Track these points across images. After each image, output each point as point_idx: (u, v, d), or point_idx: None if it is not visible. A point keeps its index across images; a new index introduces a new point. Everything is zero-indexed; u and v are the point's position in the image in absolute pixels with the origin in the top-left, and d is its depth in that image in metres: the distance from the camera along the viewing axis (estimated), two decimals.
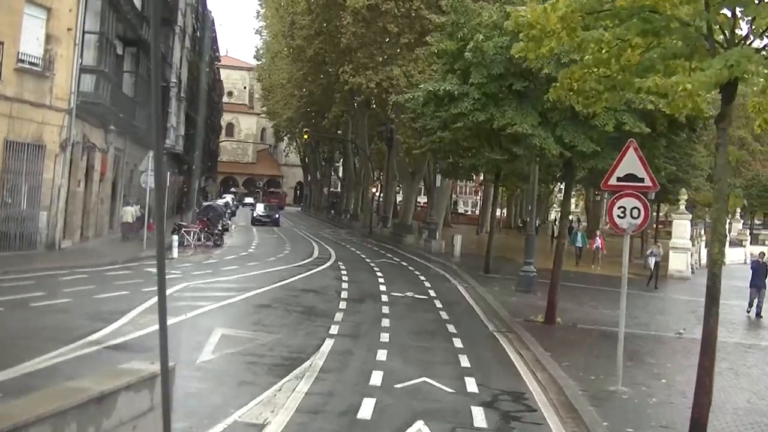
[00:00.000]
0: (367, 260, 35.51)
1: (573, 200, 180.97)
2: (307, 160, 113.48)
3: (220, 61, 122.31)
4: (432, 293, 24.89)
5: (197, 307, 17.93)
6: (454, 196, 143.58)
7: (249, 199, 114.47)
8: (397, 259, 37.37)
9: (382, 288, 25.03)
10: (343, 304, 20.75)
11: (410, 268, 33.50)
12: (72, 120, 29.37)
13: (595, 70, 10.92)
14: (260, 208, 68.46)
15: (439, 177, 42.55)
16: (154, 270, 19.11)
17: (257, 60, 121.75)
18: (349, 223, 72.77)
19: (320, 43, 53.41)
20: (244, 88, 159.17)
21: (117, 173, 40.77)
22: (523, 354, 15.79)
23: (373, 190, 62.45)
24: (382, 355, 14.40)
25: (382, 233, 55.19)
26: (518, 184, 41.87)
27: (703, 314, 10.73)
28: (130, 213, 39.16)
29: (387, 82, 43.05)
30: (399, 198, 70.55)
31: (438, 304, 22.38)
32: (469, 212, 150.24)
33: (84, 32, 29.82)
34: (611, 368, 13.78)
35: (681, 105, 10.86)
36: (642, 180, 12.90)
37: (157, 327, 4.76)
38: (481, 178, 63.41)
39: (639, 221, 12.98)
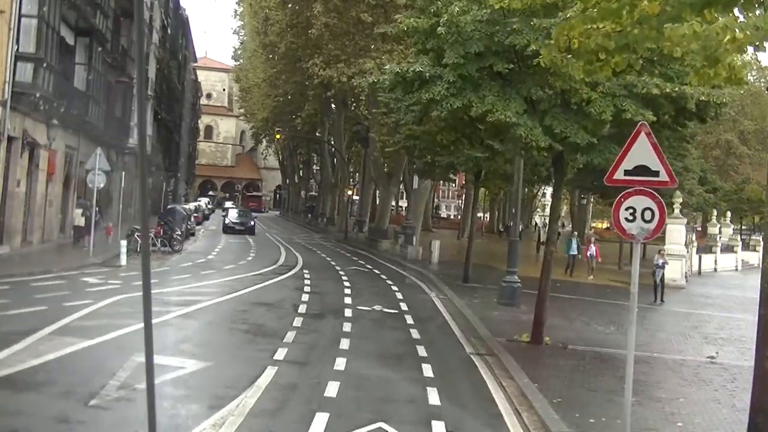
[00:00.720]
0: (337, 268, 32.72)
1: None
2: (285, 163, 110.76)
3: (196, 61, 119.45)
4: (404, 306, 22.13)
5: (123, 327, 15.10)
6: (436, 200, 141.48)
7: (229, 203, 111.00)
8: (370, 266, 34.62)
9: (348, 300, 22.26)
10: (297, 321, 17.96)
11: (383, 276, 30.75)
12: (6, 113, 26.45)
13: (601, 26, 8.22)
14: (233, 214, 58.82)
15: (416, 178, 39.82)
16: (91, 279, 15.78)
17: (235, 60, 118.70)
18: (325, 227, 69.97)
19: (292, 37, 50.57)
20: (223, 90, 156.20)
21: (69, 173, 37.79)
22: (506, 385, 13.04)
23: (349, 192, 59.57)
24: (332, 389, 11.62)
25: (358, 238, 52.44)
26: (501, 185, 39.08)
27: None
28: (80, 216, 36.26)
29: (359, 75, 40.34)
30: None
31: (409, 320, 19.64)
32: (452, 216, 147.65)
33: (20, 15, 26.92)
34: (613, 407, 11.13)
35: (713, 74, 8.22)
36: (656, 173, 10.15)
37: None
38: (463, 180, 60.92)
39: (653, 225, 10.20)
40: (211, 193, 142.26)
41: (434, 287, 27.70)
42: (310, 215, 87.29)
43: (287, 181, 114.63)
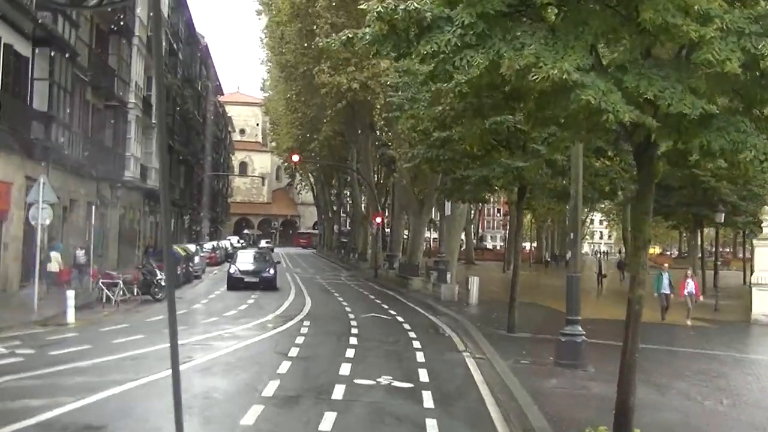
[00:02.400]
0: (350, 316, 26.27)
1: (603, 227, 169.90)
2: (318, 198, 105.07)
3: (222, 93, 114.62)
4: (423, 375, 15.62)
5: None
6: (480, 230, 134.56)
7: (264, 242, 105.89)
8: (393, 312, 28.10)
9: (345, 369, 15.80)
10: (252, 415, 11.55)
11: (405, 326, 24.23)
12: None
13: None
14: (244, 259, 40.43)
15: (448, 204, 33.41)
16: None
17: (263, 92, 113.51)
18: (356, 263, 63.64)
19: (302, 48, 44.55)
20: (257, 124, 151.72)
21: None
22: None
23: (377, 221, 53.02)
24: None
25: (388, 276, 46.02)
26: (550, 204, 31.95)
27: None
28: (56, 260, 30.44)
29: (374, 80, 34.32)
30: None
31: (427, 401, 13.18)
32: (498, 247, 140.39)
33: None
34: None
35: None
36: None
37: None
38: (507, 203, 54.49)
39: None
40: (246, 231, 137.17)
41: (470, 340, 21.12)
42: (342, 251, 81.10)
43: (322, 216, 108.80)
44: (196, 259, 42.76)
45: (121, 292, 26.97)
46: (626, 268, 58.54)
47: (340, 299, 32.47)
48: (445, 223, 34.58)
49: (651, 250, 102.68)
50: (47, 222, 24.17)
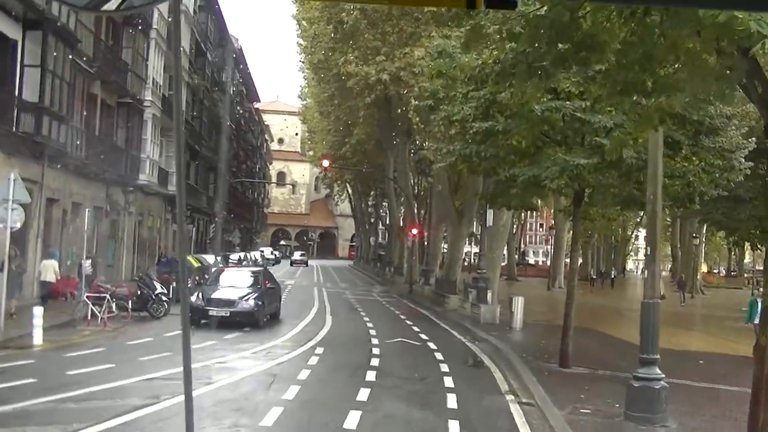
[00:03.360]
0: (374, 341, 22.45)
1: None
2: (355, 209, 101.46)
3: (258, 100, 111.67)
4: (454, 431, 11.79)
5: None
6: (523, 245, 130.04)
7: (298, 253, 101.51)
8: (425, 336, 24.21)
9: (351, 423, 11.98)
10: None
11: (438, 354, 20.34)
12: None
13: None
14: (224, 281, 28.14)
15: (490, 214, 29.51)
16: None
17: (301, 99, 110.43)
18: (391, 277, 59.81)
19: (332, 42, 40.87)
20: (296, 134, 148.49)
21: (27, 215, 28.53)
22: None
23: (413, 232, 49.06)
24: None
25: (423, 292, 42.16)
26: (611, 214, 27.35)
27: None
28: (51, 269, 27.05)
29: (407, 71, 30.61)
30: None
31: None
32: (540, 263, 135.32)
33: None
34: None
35: None
36: None
37: None
38: (551, 214, 50.29)
39: None
40: (282, 242, 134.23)
41: (514, 376, 17.20)
42: (378, 265, 77.34)
43: (359, 228, 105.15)
44: (213, 270, 39.15)
45: (110, 309, 23.32)
46: (687, 287, 54.62)
47: (366, 319, 28.61)
48: (486, 235, 30.66)
49: (700, 268, 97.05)
50: (17, 225, 20.63)
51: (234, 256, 57.22)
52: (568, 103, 15.81)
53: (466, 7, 1.64)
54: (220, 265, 43.15)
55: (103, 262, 37.00)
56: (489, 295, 29.08)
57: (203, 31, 59.16)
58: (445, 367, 18.09)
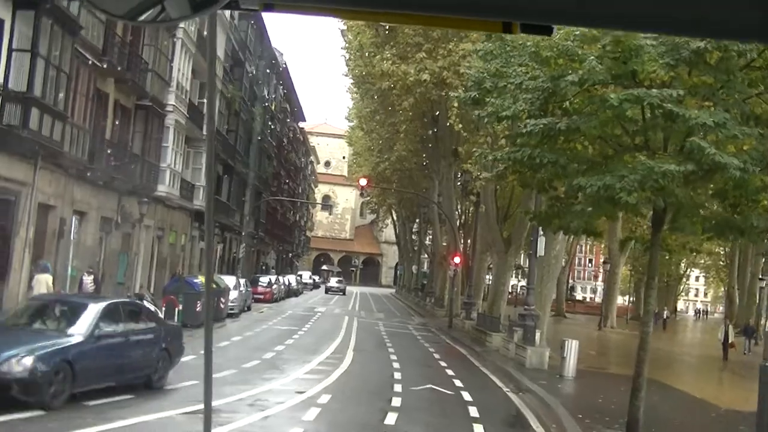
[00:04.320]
0: (397, 388, 18.44)
1: (699, 283, 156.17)
2: (399, 236, 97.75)
3: (304, 120, 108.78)
4: None
5: None
6: (570, 280, 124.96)
7: (334, 281, 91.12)
8: (460, 383, 20.13)
9: None
10: None
11: (472, 410, 16.27)
12: None
13: None
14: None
15: (541, 241, 25.43)
16: None
17: (348, 121, 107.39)
18: (432, 309, 55.76)
19: (373, 47, 37.23)
20: (343, 158, 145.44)
21: (13, 221, 25.19)
22: None
23: (456, 261, 44.96)
24: None
25: (464, 327, 38.10)
26: (694, 243, 22.40)
27: None
28: (45, 284, 23.61)
29: (451, 70, 26.84)
30: None
31: None
32: (588, 299, 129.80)
33: None
34: None
35: None
36: None
37: None
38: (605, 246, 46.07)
39: None
40: (324, 267, 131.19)
41: None
42: (420, 294, 73.33)
43: (403, 255, 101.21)
44: (233, 294, 35.55)
45: None
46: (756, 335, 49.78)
47: (394, 358, 24.55)
48: (536, 266, 26.55)
49: None
50: None
51: (264, 279, 53.66)
52: (654, 91, 11.88)
53: (503, 32, 1.63)
54: (242, 288, 39.65)
55: (112, 278, 33.64)
56: (537, 335, 24.95)
57: (241, 39, 56.04)
58: (479, 430, 14.11)
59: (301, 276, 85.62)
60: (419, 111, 40.29)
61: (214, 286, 30.96)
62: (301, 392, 16.53)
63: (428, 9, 1.54)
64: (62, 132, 25.50)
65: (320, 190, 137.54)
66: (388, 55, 32.11)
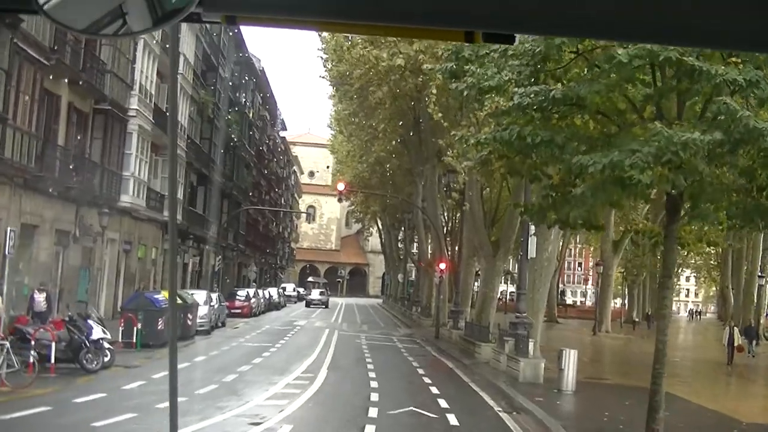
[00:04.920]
0: (372, 412, 15.97)
1: (689, 283, 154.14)
2: (384, 245, 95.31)
3: (286, 129, 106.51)
4: None
5: None
6: (561, 284, 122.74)
7: (316, 293, 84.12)
8: (445, 403, 17.73)
9: None
10: None
11: None
12: None
13: None
14: None
15: (532, 241, 23.14)
16: None
17: (330, 129, 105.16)
18: (418, 319, 53.40)
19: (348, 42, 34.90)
20: (327, 167, 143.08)
21: None
22: None
23: (441, 268, 42.72)
24: None
25: (452, 337, 35.77)
26: (715, 235, 19.87)
27: None
28: None
29: (428, 53, 24.59)
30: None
31: None
32: (578, 303, 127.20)
33: None
34: None
35: None
36: None
37: None
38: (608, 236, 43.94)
39: None
40: (311, 279, 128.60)
41: None
42: (407, 303, 70.93)
43: (389, 264, 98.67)
44: (203, 309, 33.07)
45: (8, 362, 17.06)
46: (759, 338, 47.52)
47: (372, 375, 22.12)
48: (527, 269, 24.25)
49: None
50: None
51: (242, 293, 51.13)
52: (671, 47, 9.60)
53: (465, 41, 1.68)
54: (214, 303, 37.21)
55: (71, 295, 31.20)
56: (530, 345, 22.60)
57: (214, 43, 53.70)
58: None
59: (284, 288, 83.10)
60: (398, 109, 38.04)
61: (180, 301, 28.64)
62: (258, 423, 14.13)
63: (391, 20, 1.55)
64: (1, 136, 23.12)
65: (304, 201, 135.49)
66: (359, 40, 29.86)
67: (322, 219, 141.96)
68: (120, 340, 25.40)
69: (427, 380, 21.96)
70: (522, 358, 22.02)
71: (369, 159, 45.94)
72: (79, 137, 30.66)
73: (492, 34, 1.62)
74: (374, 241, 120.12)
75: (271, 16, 1.59)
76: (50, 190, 28.28)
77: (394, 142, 43.20)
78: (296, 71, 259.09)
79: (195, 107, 47.48)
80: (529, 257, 23.59)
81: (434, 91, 24.88)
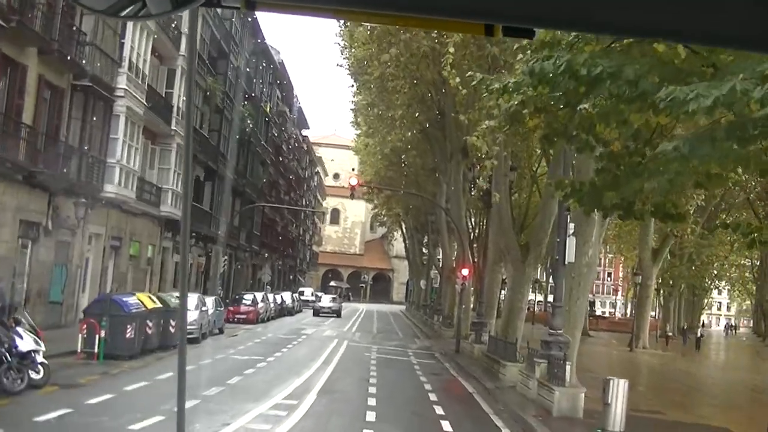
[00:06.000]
0: None
1: (721, 297, 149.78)
2: (408, 249, 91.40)
3: (308, 127, 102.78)
4: None
5: None
6: (590, 294, 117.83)
7: (327, 300, 71.76)
8: None
9: None
10: None
11: None
12: None
13: None
14: None
15: (571, 242, 18.94)
16: None
17: (354, 127, 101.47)
18: (439, 328, 49.26)
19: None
20: (353, 169, 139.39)
21: None
22: None
23: (464, 273, 38.62)
24: None
25: (473, 353, 31.62)
26: None
27: None
28: None
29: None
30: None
31: None
32: (606, 313, 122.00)
33: None
34: None
35: None
36: None
37: None
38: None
39: None
40: (332, 283, 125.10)
41: None
42: (428, 311, 66.71)
43: (413, 270, 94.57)
44: (192, 314, 29.14)
45: None
46: None
47: (371, 403, 17.82)
48: (564, 277, 20.07)
49: None
50: None
51: (248, 297, 47.17)
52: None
53: (485, 35, 1.68)
54: (207, 308, 33.36)
55: (41, 296, 27.50)
56: (567, 370, 18.43)
57: (225, 28, 49.94)
58: None
59: (302, 293, 79.07)
60: (417, 95, 34.28)
61: (158, 305, 24.78)
62: None
63: (411, 10, 1.54)
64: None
65: (329, 204, 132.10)
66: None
67: (347, 222, 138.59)
68: (80, 350, 21.68)
69: (438, 410, 17.78)
70: (557, 387, 17.83)
71: (385, 150, 42.06)
72: (51, 116, 26.91)
73: (512, 28, 1.62)
74: (399, 245, 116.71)
75: (290, 2, 1.60)
76: (12, 175, 24.57)
77: (413, 131, 39.26)
78: (324, 73, 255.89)
79: (200, 94, 43.69)
80: (566, 262, 19.39)
81: (451, 50, 20.77)
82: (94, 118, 29.55)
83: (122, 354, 21.77)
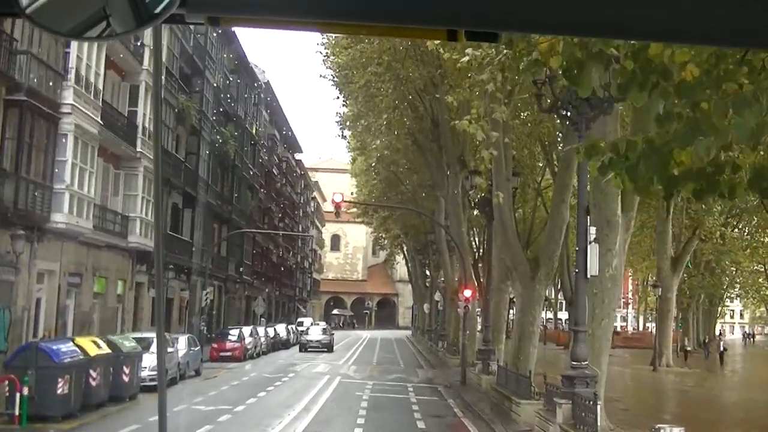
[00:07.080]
0: None
1: (734, 304, 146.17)
2: (410, 273, 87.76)
3: (300, 151, 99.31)
4: None
5: None
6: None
7: (316, 332, 59.22)
8: None
9: None
10: None
11: None
12: None
13: None
14: None
15: (593, 250, 15.08)
16: None
17: (348, 149, 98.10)
18: (443, 356, 45.32)
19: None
20: (351, 194, 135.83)
21: None
22: None
23: (466, 295, 34.71)
24: None
25: (481, 385, 27.68)
26: None
27: None
28: None
29: None
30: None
31: None
32: (619, 328, 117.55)
33: None
34: None
35: None
36: None
37: None
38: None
39: None
40: (335, 311, 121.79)
41: None
42: (432, 336, 62.76)
43: (416, 293, 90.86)
44: (149, 359, 25.06)
45: None
46: None
47: None
48: (587, 292, 16.15)
49: None
50: None
51: (234, 332, 43.18)
52: None
53: (448, 40, 1.69)
54: (176, 348, 29.48)
55: None
56: (599, 410, 14.50)
57: (199, 43, 46.36)
58: None
59: (301, 323, 75.09)
60: (402, 95, 30.87)
61: (106, 350, 20.90)
62: None
63: (374, 19, 1.56)
64: None
65: (328, 230, 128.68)
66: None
67: (348, 248, 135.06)
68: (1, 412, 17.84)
69: None
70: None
71: (371, 161, 38.68)
72: None
73: (475, 32, 1.62)
74: (402, 269, 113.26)
75: (254, 17, 1.59)
76: None
77: (403, 137, 35.89)
78: (319, 99, 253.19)
79: (171, 113, 40.00)
80: (589, 275, 15.47)
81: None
82: (34, 138, 25.78)
83: (52, 414, 17.92)
